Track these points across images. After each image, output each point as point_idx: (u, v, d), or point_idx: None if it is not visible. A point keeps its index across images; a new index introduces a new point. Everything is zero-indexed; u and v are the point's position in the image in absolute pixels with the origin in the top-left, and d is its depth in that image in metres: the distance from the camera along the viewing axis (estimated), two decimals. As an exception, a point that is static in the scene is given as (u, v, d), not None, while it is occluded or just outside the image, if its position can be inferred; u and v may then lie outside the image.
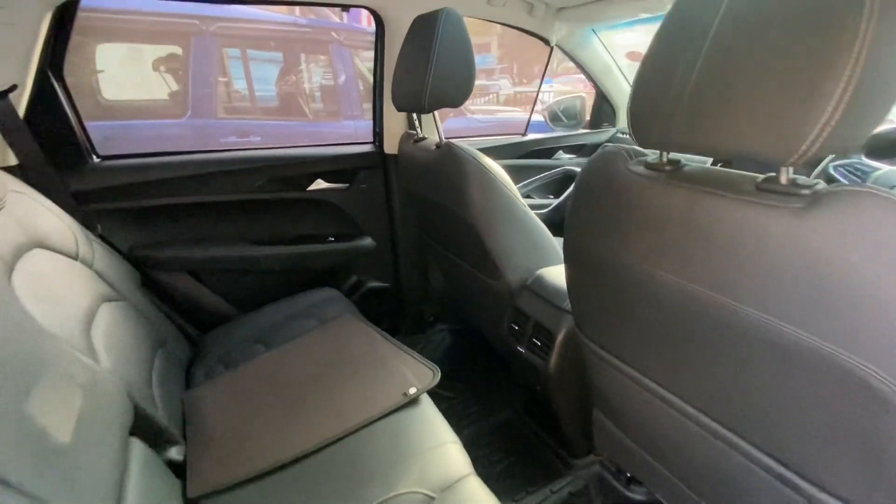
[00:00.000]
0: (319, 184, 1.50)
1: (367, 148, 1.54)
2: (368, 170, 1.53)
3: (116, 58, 3.03)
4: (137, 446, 0.75)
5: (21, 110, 1.02)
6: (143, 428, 0.81)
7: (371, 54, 1.42)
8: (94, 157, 1.22)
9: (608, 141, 1.93)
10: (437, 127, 1.14)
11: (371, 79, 1.48)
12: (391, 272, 1.69)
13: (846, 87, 0.37)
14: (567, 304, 1.01)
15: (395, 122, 1.46)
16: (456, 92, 1.07)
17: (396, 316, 1.75)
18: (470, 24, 1.09)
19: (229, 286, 1.43)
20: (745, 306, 0.47)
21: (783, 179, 0.44)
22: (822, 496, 0.52)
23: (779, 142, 0.41)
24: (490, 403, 1.44)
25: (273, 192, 1.42)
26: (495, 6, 1.35)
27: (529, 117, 1.86)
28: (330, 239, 1.54)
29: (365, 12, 1.34)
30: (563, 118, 2.02)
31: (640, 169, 0.59)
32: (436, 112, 1.10)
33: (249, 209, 1.42)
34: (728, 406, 0.59)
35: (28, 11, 0.96)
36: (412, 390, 0.94)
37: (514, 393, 1.45)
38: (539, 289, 1.09)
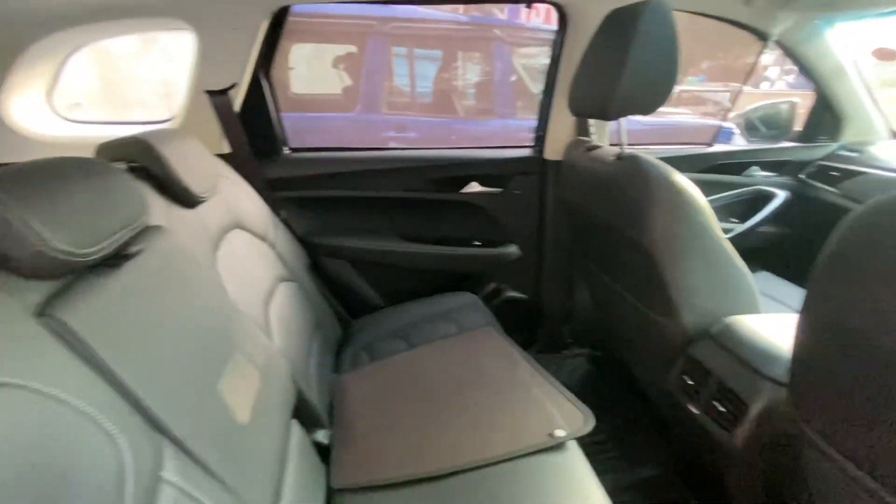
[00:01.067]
0: (473, 186, 1.47)
1: (527, 152, 1.46)
2: (525, 175, 1.45)
3: (303, 56, 3.46)
4: (296, 429, 0.80)
5: (236, 106, 1.17)
6: (301, 410, 0.86)
7: (528, 51, 1.32)
8: (286, 148, 1.37)
9: (824, 159, 1.54)
10: (622, 135, 1.00)
11: (525, 76, 1.39)
12: (532, 284, 1.60)
13: None
14: (770, 370, 0.80)
15: (561, 127, 1.34)
16: (650, 98, 0.92)
17: (532, 331, 1.65)
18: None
19: (379, 278, 1.49)
20: None
21: None
22: None
23: None
24: (633, 452, 1.26)
25: (429, 192, 1.43)
26: (706, -4, 1.14)
27: (720, 126, 1.58)
28: (475, 243, 1.51)
29: (523, 11, 1.25)
30: (762, 128, 1.68)
31: None
32: (622, 119, 0.96)
33: (406, 206, 1.46)
34: None
35: (250, 18, 1.09)
36: (559, 433, 0.84)
37: (663, 446, 1.25)
38: (729, 341, 0.89)
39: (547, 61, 1.35)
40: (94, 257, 0.48)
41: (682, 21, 0.95)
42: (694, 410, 0.91)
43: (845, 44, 1.40)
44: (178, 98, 1.19)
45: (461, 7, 3.40)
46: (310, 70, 3.43)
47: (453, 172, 1.43)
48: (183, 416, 0.52)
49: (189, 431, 0.51)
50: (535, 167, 1.43)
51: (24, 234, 0.42)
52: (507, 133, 3.01)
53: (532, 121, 1.44)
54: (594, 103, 0.97)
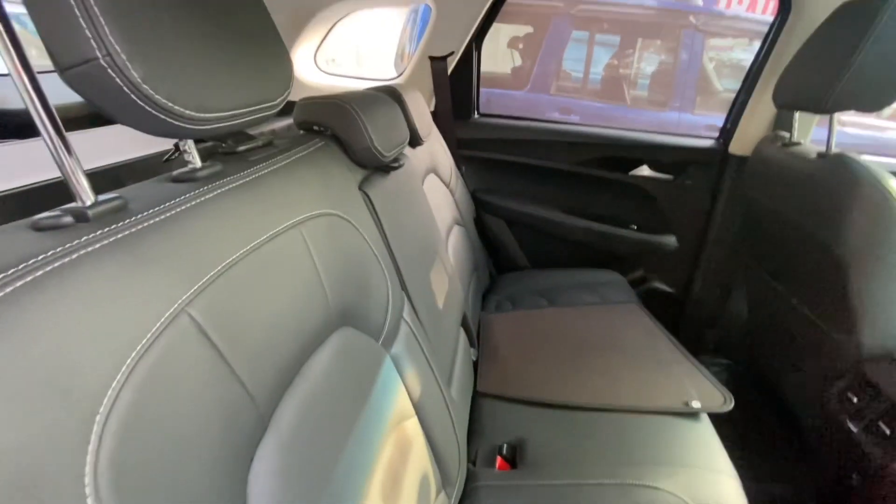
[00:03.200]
0: (643, 170, 1.49)
1: (709, 143, 1.42)
2: (701, 166, 1.42)
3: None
4: (462, 336, 0.99)
5: (449, 70, 1.38)
6: (464, 326, 1.05)
7: (719, 42, 1.26)
8: (476, 113, 1.56)
9: None
10: (831, 132, 0.95)
11: (710, 70, 1.32)
12: (684, 280, 1.57)
13: None
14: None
15: (756, 121, 1.28)
16: (878, 94, 0.86)
17: (672, 328, 1.63)
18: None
19: (530, 241, 1.62)
20: None
21: None
22: None
23: None
24: (766, 471, 1.21)
25: (597, 169, 1.50)
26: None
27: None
28: (633, 226, 1.53)
29: None
30: None
31: None
32: (836, 115, 0.92)
33: (571, 180, 1.54)
34: None
35: None
36: (695, 403, 0.88)
37: (801, 470, 1.17)
38: (917, 367, 0.82)
39: (740, 55, 1.28)
40: (387, 160, 0.70)
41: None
42: (853, 428, 0.87)
43: None
44: (393, 59, 1.45)
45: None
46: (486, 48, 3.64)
47: (626, 153, 1.47)
48: (415, 284, 0.72)
49: (416, 294, 0.72)
50: (715, 159, 1.39)
51: (364, 133, 0.64)
52: (678, 128, 2.84)
53: (707, 117, 1.40)
54: (808, 94, 0.93)
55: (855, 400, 0.89)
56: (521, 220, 1.60)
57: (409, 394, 0.64)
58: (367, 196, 0.65)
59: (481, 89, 1.55)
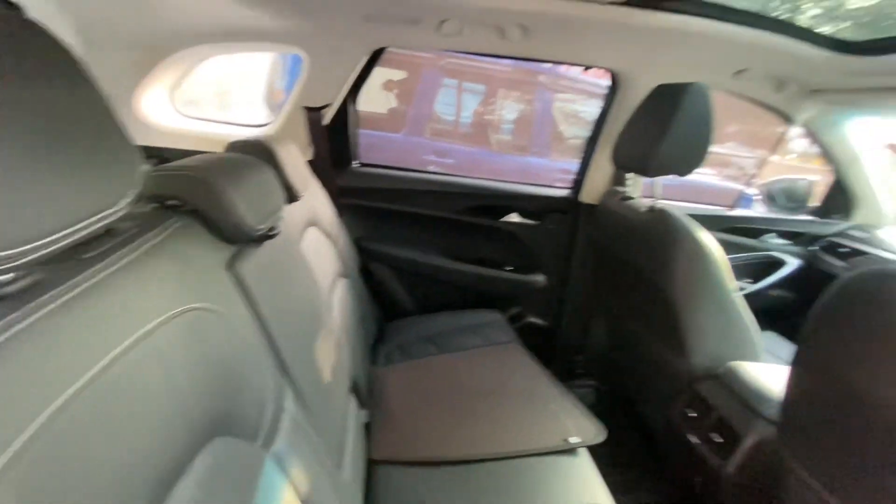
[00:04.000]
0: (513, 216, 1.63)
1: (565, 193, 1.62)
2: (560, 213, 1.61)
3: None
4: (352, 403, 0.94)
5: (326, 121, 1.35)
6: (354, 390, 1.00)
7: (565, 96, 1.49)
8: (356, 162, 1.55)
9: (835, 235, 1.67)
10: (657, 191, 1.15)
11: (562, 122, 1.55)
12: (553, 313, 1.73)
13: None
14: (763, 409, 0.92)
15: (600, 176, 1.50)
16: (686, 162, 1.07)
17: (547, 357, 1.77)
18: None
19: (416, 287, 1.64)
20: None
21: None
22: None
23: None
24: (633, 481, 1.36)
25: (473, 217, 1.59)
26: (741, 80, 1.31)
27: (742, 191, 1.72)
28: (508, 268, 1.65)
29: None
30: (782, 199, 1.82)
31: None
32: (659, 178, 1.12)
33: (450, 226, 1.61)
34: None
35: (354, 52, 1.28)
36: (573, 439, 0.96)
37: (661, 479, 1.35)
38: (732, 382, 1.01)
39: (582, 108, 1.52)
40: (260, 232, 0.64)
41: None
42: (693, 440, 1.03)
43: (862, 135, 1.55)
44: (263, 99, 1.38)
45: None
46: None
47: (497, 202, 1.60)
48: (298, 364, 0.67)
49: (300, 377, 0.66)
50: (570, 207, 1.59)
51: (233, 208, 0.58)
52: (539, 171, 3.20)
53: (561, 162, 1.61)
54: (636, 160, 1.12)
55: (693, 414, 1.06)
56: (406, 266, 1.61)
57: (296, 491, 0.57)
58: (238, 277, 0.59)
59: (366, 131, 1.56)
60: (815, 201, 1.78)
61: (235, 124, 1.46)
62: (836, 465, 0.66)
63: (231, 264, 0.59)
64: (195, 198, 0.57)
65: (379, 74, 3.59)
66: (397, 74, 3.61)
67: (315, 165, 1.34)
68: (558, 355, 1.76)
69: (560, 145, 3.50)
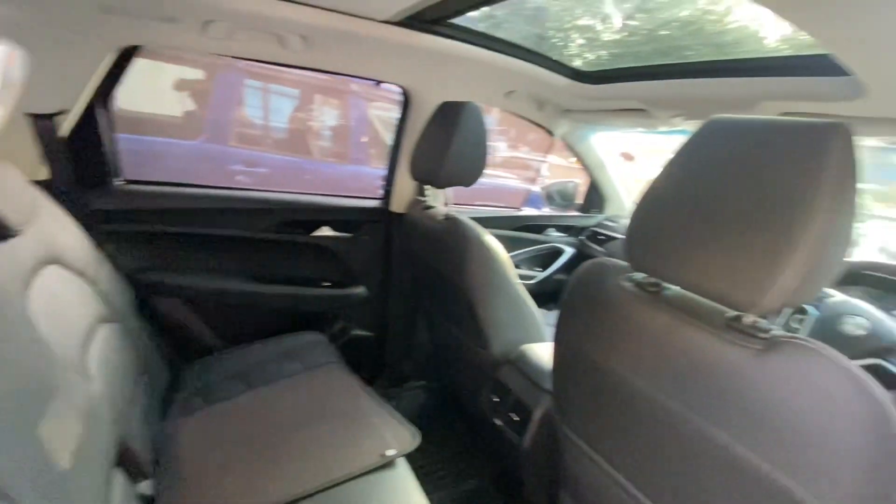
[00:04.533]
0: (324, 230, 1.57)
1: (375, 203, 1.63)
2: (373, 223, 1.62)
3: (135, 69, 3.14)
4: (119, 479, 0.76)
5: (64, 131, 1.08)
6: (125, 460, 0.82)
7: (382, 104, 1.54)
8: (118, 179, 1.28)
9: (595, 226, 2.07)
10: (447, 201, 1.24)
11: (380, 129, 1.59)
12: (378, 323, 1.74)
13: (802, 260, 0.46)
14: (548, 385, 1.07)
15: (405, 185, 1.56)
16: (468, 174, 1.18)
17: (376, 366, 1.77)
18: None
19: (220, 319, 1.45)
20: (708, 424, 0.55)
21: (747, 321, 0.53)
22: None
23: (744, 293, 0.50)
24: (460, 469, 1.45)
25: (279, 234, 1.48)
26: (512, 100, 1.51)
27: (528, 192, 2.00)
28: (325, 284, 1.59)
29: None
30: (558, 199, 2.18)
31: (629, 285, 0.68)
32: (448, 189, 1.21)
33: (253, 246, 1.47)
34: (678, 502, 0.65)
35: (93, 49, 1.04)
36: (390, 452, 0.97)
37: (485, 461, 1.47)
38: (522, 365, 1.15)
39: (397, 115, 1.56)
40: None
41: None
42: (497, 422, 1.15)
43: (606, 146, 1.96)
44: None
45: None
46: (143, 87, 3.12)
47: (305, 216, 1.52)
48: (2, 458, 0.50)
49: (8, 474, 0.50)
50: (382, 217, 1.61)
51: None
52: (359, 177, 3.19)
53: (383, 170, 1.63)
54: (429, 173, 1.19)
55: (496, 399, 1.18)
56: (201, 296, 1.41)
57: None
58: None
59: (147, 138, 1.29)
60: (580, 199, 2.18)
61: None
62: (596, 428, 0.81)
63: None
64: None
65: (171, 73, 3.10)
66: (191, 73, 3.17)
67: (54, 187, 1.06)
68: (388, 362, 1.78)
69: (382, 152, 3.56)
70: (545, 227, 2.04)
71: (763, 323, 0.53)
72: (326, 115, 3.81)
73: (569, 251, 1.96)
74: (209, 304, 1.42)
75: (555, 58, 1.38)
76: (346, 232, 1.60)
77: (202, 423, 1.07)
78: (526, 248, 1.92)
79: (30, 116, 1.02)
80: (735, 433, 0.53)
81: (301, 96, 3.73)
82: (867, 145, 1.03)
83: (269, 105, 3.44)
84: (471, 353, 1.28)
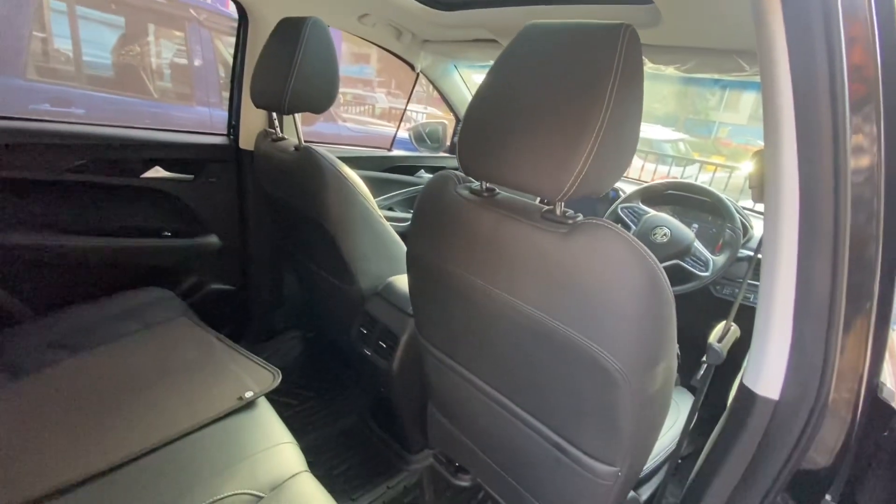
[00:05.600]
0: (158, 171, 1.36)
1: (220, 140, 1.45)
2: (220, 163, 1.44)
3: None
4: None
5: None
6: None
7: (231, 40, 1.35)
8: None
9: (465, 166, 2.13)
10: (297, 129, 1.14)
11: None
12: (238, 274, 1.60)
13: (592, 147, 0.51)
14: (410, 309, 1.10)
15: (253, 118, 1.40)
16: (318, 99, 1.10)
17: (242, 321, 1.65)
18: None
19: (25, 281, 1.19)
20: (528, 305, 0.61)
21: (557, 211, 0.59)
22: (586, 459, 0.68)
23: (551, 183, 0.54)
24: (336, 409, 1.45)
25: (96, 175, 1.24)
26: (367, 25, 1.42)
27: (395, 133, 1.96)
28: (166, 234, 1.39)
29: None
30: (428, 140, 2.17)
31: (465, 192, 0.70)
32: (296, 115, 1.11)
33: (63, 192, 1.21)
34: (520, 388, 0.73)
35: None
36: (248, 394, 0.92)
37: (360, 399, 1.49)
38: (388, 295, 1.16)
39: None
40: None
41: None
42: (367, 352, 1.15)
43: (470, 84, 1.98)
44: None
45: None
46: None
47: (130, 154, 1.28)
48: None
49: None
50: (229, 155, 1.44)
51: None
52: (212, 122, 2.81)
53: None
54: (271, 98, 1.07)
55: (365, 331, 1.18)
56: (3, 256, 1.14)
57: None
58: None
59: None
60: (449, 141, 2.21)
61: None
62: (447, 334, 0.85)
63: None
64: None
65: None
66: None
67: None
68: (255, 316, 1.66)
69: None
70: (416, 168, 2.03)
71: (570, 212, 0.59)
72: (165, 49, 3.23)
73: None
74: (11, 265, 1.16)
75: (408, -20, 1.31)
76: (187, 173, 1.40)
77: (8, 403, 0.89)
78: (397, 190, 1.90)
79: None
80: (548, 308, 0.59)
81: (127, 24, 3.10)
82: (670, 75, 1.19)
83: (79, 35, 2.79)
84: (339, 291, 1.25)
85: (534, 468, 0.80)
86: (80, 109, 2.46)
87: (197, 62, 2.83)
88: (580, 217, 0.59)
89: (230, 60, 1.49)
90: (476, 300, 0.70)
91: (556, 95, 0.54)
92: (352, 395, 1.51)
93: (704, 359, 0.64)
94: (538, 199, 0.69)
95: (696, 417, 0.73)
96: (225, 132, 1.47)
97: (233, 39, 1.39)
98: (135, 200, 1.33)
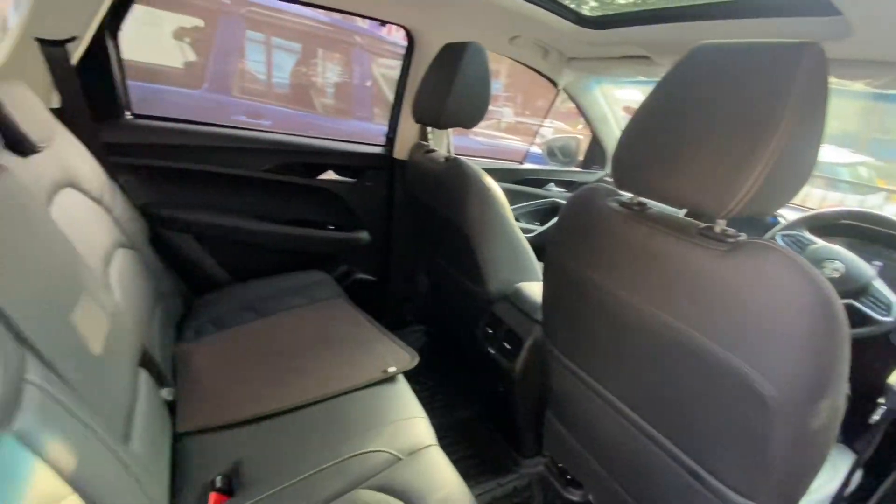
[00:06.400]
0: (329, 174, 1.61)
1: (379, 150, 1.66)
2: (376, 170, 1.65)
3: (133, 18, 3.09)
4: (144, 377, 0.84)
5: (74, 59, 1.10)
6: (146, 363, 0.89)
7: (387, 62, 1.55)
8: (129, 113, 1.31)
9: (595, 182, 2.11)
10: (449, 143, 1.27)
11: (385, 88, 1.61)
12: (380, 268, 1.80)
13: (764, 168, 0.51)
14: (538, 316, 1.14)
15: (408, 131, 1.58)
16: (470, 115, 1.21)
17: (378, 310, 1.84)
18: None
19: (227, 255, 1.51)
20: (676, 320, 0.61)
21: (717, 229, 0.59)
22: (724, 489, 0.65)
23: (714, 200, 0.55)
24: (452, 402, 1.55)
25: (285, 175, 1.52)
26: (516, 46, 1.51)
27: (529, 148, 2.02)
28: (329, 227, 1.64)
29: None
30: (559, 154, 2.19)
31: (615, 205, 0.73)
32: (449, 130, 1.24)
33: (260, 186, 1.51)
34: (656, 406, 0.72)
35: None
36: (391, 369, 1.04)
37: (477, 396, 1.56)
38: (516, 300, 1.22)
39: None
40: None
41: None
42: (491, 351, 1.22)
43: (610, 100, 1.96)
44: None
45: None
46: (142, 36, 3.08)
47: (311, 159, 1.55)
48: (43, 331, 0.56)
49: (49, 345, 0.56)
50: (385, 163, 1.64)
51: None
52: (362, 135, 3.19)
53: (385, 127, 1.66)
54: (430, 114, 1.22)
55: (490, 331, 1.25)
56: (212, 233, 1.47)
57: (58, 470, 0.50)
58: None
59: (152, 85, 1.32)
60: (581, 156, 2.20)
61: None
62: (580, 343, 0.87)
63: None
64: None
65: (169, 21, 3.05)
66: (190, 21, 3.11)
67: (66, 116, 1.09)
68: (388, 306, 1.85)
69: (385, 111, 3.55)
70: (546, 182, 2.07)
71: (731, 231, 0.58)
72: (329, 70, 3.76)
73: (568, 206, 1.99)
74: (218, 241, 1.48)
75: (560, 1, 1.37)
76: (350, 177, 1.64)
77: (213, 345, 1.15)
78: (526, 202, 1.95)
79: (40, 42, 1.04)
80: (699, 325, 0.59)
81: (303, 50, 3.67)
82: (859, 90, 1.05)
83: (271, 59, 3.40)
84: (468, 292, 1.35)
85: (660, 491, 0.78)
86: (267, 121, 3.00)
87: (356, 81, 3.25)
88: (742, 236, 0.58)
89: (383, 84, 1.70)
90: (616, 311, 0.72)
91: (729, 114, 0.55)
92: (467, 391, 1.59)
93: (881, 400, 0.57)
94: (684, 214, 0.68)
95: (858, 476, 0.64)
96: (379, 143, 1.69)
97: (384, 61, 1.59)
98: (309, 197, 1.59)
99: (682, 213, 0.69)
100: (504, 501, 1.23)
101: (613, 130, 2.03)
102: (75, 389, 0.59)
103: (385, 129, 1.66)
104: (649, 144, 0.63)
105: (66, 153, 0.99)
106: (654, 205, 0.70)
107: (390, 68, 3.68)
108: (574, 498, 1.20)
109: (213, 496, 0.77)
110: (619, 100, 2.01)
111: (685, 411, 0.67)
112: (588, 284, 0.76)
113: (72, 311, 0.66)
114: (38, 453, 0.49)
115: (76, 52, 1.10)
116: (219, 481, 0.79)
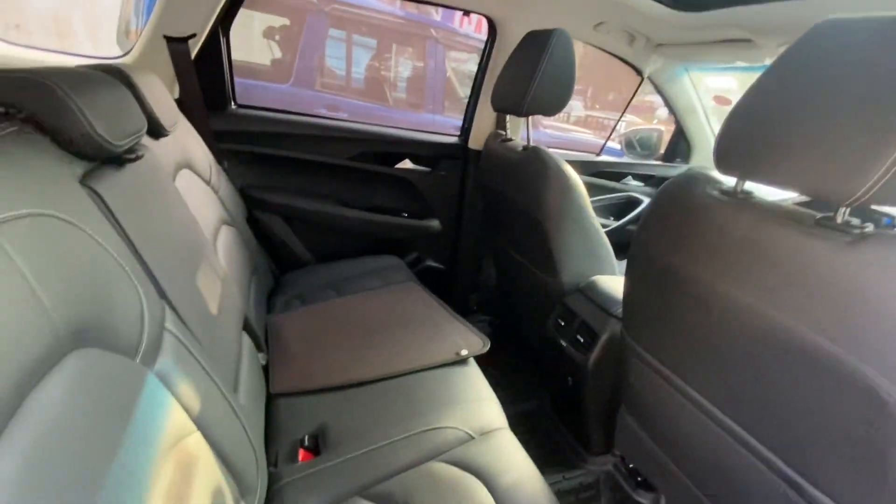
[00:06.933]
0: (406, 163, 1.66)
1: (454, 140, 1.69)
2: (451, 160, 1.68)
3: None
4: (246, 340, 0.93)
5: (193, 55, 1.23)
6: (248, 330, 0.99)
7: (458, 55, 1.56)
8: (234, 104, 1.44)
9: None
10: (528, 131, 1.26)
11: (454, 78, 1.62)
12: (449, 256, 1.83)
13: None
14: (615, 311, 1.11)
15: (485, 121, 1.59)
16: (552, 103, 1.19)
17: (444, 298, 1.88)
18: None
19: (311, 237, 1.61)
20: (787, 318, 0.57)
21: (839, 219, 0.54)
22: (825, 500, 0.60)
23: (838, 186, 0.50)
24: (517, 392, 1.55)
25: (365, 163, 1.59)
26: (601, 33, 1.46)
27: (606, 140, 1.95)
28: (403, 214, 1.70)
29: (458, 16, 1.48)
30: (638, 147, 2.10)
31: (716, 193, 0.69)
32: (529, 118, 1.23)
33: (342, 174, 1.60)
34: (751, 409, 0.68)
35: None
36: (464, 352, 1.07)
37: (542, 389, 1.55)
38: (591, 293, 1.19)
39: (474, 68, 1.59)
40: (120, 150, 0.59)
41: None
42: (563, 343, 1.21)
43: (699, 89, 1.84)
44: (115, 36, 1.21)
45: (398, 2, 3.56)
46: (236, 36, 3.35)
47: (389, 148, 1.61)
48: (176, 288, 0.65)
49: (180, 301, 0.64)
50: (459, 153, 1.67)
51: (80, 117, 0.53)
52: (433, 128, 3.25)
53: (457, 120, 1.68)
54: (511, 101, 1.22)
55: (562, 323, 1.23)
56: (299, 215, 1.58)
57: (186, 409, 0.58)
58: (96, 192, 0.55)
59: (245, 80, 1.45)
60: (663, 149, 2.09)
61: (79, 55, 1.26)
62: (666, 340, 0.84)
63: (86, 179, 0.54)
64: (32, 103, 0.51)
65: (259, 20, 3.29)
66: (278, 21, 3.33)
67: (184, 105, 1.23)
68: (455, 295, 1.88)
69: (456, 105, 3.59)
70: (623, 175, 1.99)
71: (856, 221, 0.53)
72: (404, 64, 3.85)
73: (646, 201, 1.90)
74: (304, 223, 1.59)
75: (652, -16, 1.31)
76: (426, 167, 1.68)
77: (300, 318, 1.24)
78: (601, 195, 1.89)
79: (167, 39, 1.18)
80: (818, 325, 0.54)
81: (380, 45, 3.79)
82: None
83: (351, 54, 3.55)
84: (539, 283, 1.33)
85: (746, 498, 0.73)
86: (343, 114, 3.15)
87: (430, 74, 3.31)
88: (870, 227, 0.52)
89: (453, 78, 1.72)
90: (714, 306, 0.68)
91: (859, 94, 0.50)
92: (532, 383, 1.59)
93: None
94: (797, 203, 0.63)
95: None
96: (454, 134, 1.71)
97: (454, 54, 1.61)
98: (387, 185, 1.66)
99: (789, 202, 0.64)
100: (569, 496, 1.21)
101: (702, 122, 1.90)
102: (199, 341, 0.67)
103: (455, 121, 1.69)
104: (762, 126, 0.59)
105: (185, 138, 1.11)
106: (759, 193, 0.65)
107: (461, 62, 3.71)
108: (644, 501, 1.16)
109: (301, 452, 0.84)
110: (710, 88, 1.88)
111: (783, 414, 0.63)
112: (681, 276, 0.73)
113: (197, 273, 0.74)
114: (173, 391, 0.56)
115: (194, 48, 1.23)
116: (307, 440, 0.86)
